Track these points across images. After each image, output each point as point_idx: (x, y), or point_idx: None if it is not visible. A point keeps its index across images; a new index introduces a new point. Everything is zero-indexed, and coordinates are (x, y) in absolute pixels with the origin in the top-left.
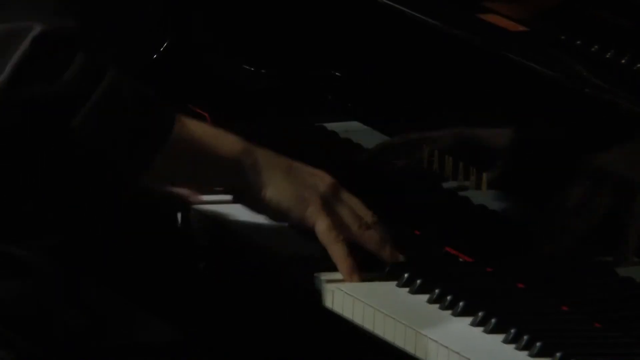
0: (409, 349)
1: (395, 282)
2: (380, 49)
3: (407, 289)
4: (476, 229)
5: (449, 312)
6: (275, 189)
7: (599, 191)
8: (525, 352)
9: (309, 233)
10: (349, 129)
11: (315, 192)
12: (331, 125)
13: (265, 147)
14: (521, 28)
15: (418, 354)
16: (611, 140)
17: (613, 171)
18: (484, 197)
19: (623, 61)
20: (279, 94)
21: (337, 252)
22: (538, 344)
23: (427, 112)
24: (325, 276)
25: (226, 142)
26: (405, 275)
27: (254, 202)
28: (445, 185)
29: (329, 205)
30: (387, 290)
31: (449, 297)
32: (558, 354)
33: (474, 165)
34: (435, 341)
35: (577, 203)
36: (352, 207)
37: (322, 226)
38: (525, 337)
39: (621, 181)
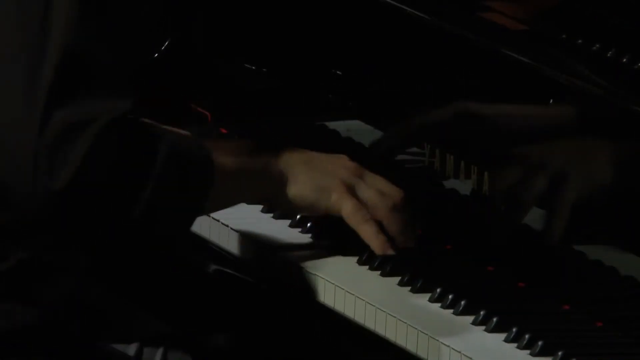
0: (411, 348)
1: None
2: (380, 48)
3: (408, 288)
4: (477, 228)
5: (450, 311)
6: (297, 186)
7: (598, 189)
8: (527, 351)
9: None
10: (350, 127)
11: (337, 179)
12: (332, 124)
13: (277, 145)
14: (522, 27)
15: (420, 353)
16: (611, 139)
17: (613, 170)
18: (484, 196)
19: (624, 60)
20: (280, 92)
21: (367, 231)
22: (539, 343)
23: (428, 111)
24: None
25: (252, 155)
26: (407, 275)
27: (281, 206)
28: (446, 184)
29: (352, 188)
30: (389, 289)
31: (450, 296)
32: (559, 353)
33: (475, 164)
34: (437, 340)
35: (577, 201)
36: (377, 188)
37: (347, 209)
38: (527, 336)
39: (620, 179)
